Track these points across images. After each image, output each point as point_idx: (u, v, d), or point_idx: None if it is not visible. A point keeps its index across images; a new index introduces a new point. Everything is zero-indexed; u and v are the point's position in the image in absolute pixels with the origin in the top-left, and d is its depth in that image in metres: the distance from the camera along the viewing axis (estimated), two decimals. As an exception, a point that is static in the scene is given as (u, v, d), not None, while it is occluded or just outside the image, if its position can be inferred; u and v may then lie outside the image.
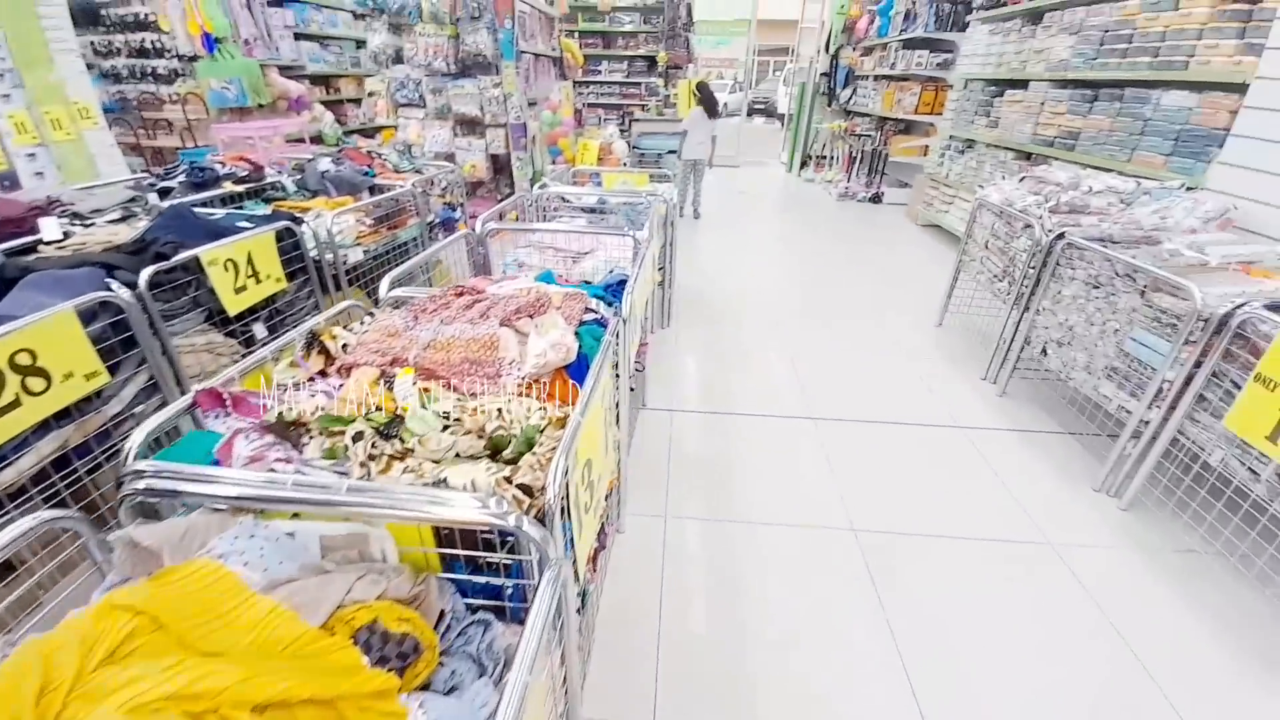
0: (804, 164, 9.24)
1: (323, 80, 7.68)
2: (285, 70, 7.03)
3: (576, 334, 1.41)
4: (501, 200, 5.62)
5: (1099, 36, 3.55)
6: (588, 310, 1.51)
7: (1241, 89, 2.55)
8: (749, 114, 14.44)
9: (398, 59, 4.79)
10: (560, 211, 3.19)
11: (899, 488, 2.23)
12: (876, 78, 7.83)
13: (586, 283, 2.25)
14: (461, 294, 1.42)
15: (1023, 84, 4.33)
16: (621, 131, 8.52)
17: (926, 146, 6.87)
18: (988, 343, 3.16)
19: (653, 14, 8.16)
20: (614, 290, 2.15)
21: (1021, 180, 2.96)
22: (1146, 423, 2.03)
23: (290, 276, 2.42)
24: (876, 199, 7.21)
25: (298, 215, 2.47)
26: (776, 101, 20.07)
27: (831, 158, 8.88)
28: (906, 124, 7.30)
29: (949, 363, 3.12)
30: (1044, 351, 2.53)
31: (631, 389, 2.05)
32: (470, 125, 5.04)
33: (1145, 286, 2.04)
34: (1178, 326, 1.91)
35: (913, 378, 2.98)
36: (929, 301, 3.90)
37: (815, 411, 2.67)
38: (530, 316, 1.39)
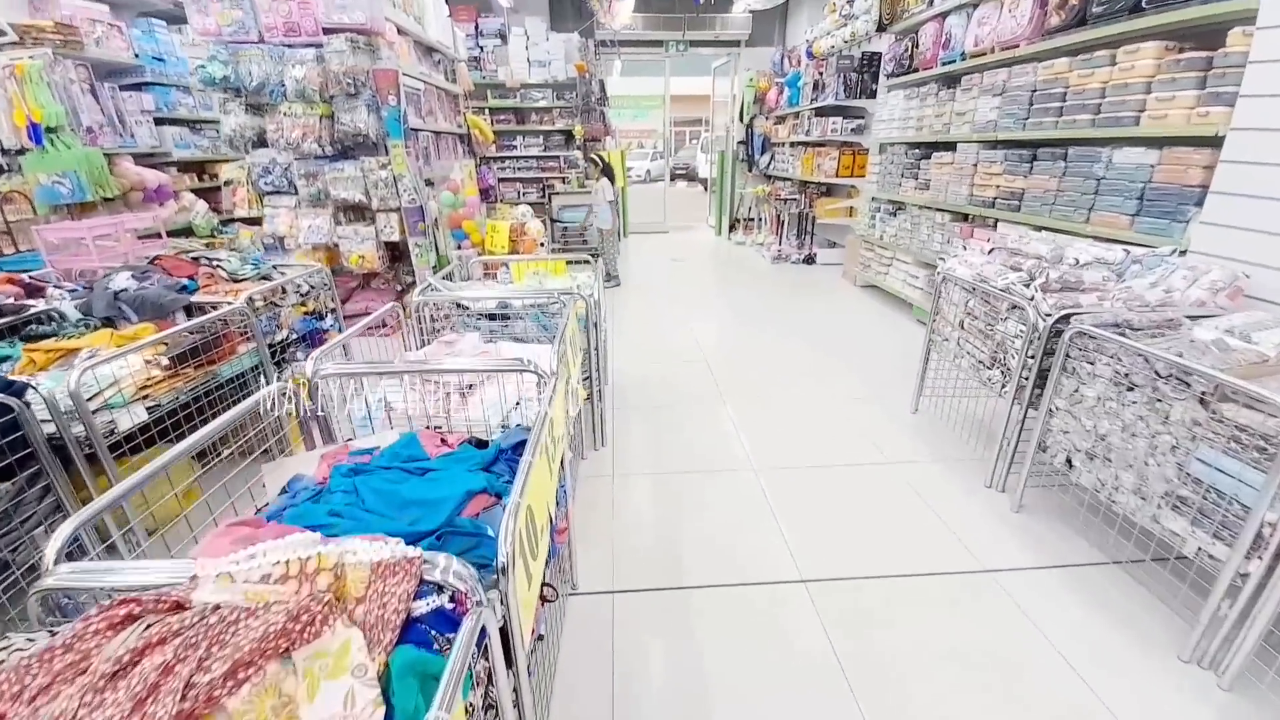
0: (733, 228, 9.14)
1: (196, 166, 6.81)
2: (145, 159, 6.15)
3: (388, 668, 0.69)
4: (402, 293, 4.88)
5: (1026, 97, 3.40)
6: (423, 588, 0.79)
7: (1213, 142, 2.30)
8: (671, 179, 14.63)
9: (260, 142, 4.08)
10: (453, 319, 2.50)
11: (941, 698, 1.57)
12: (793, 144, 7.90)
13: (479, 443, 1.54)
14: (130, 616, 0.67)
15: (949, 146, 4.19)
16: (538, 205, 8.10)
17: (851, 208, 6.83)
18: (979, 435, 2.67)
19: (565, 90, 7.96)
20: (513, 458, 1.45)
21: (990, 251, 2.59)
22: (1245, 576, 1.51)
23: (8, 472, 1.57)
24: (810, 260, 7.04)
25: (20, 380, 1.64)
26: (697, 167, 20.80)
27: (758, 220, 8.83)
28: (828, 186, 7.30)
29: (942, 466, 2.59)
30: (1069, 463, 2.03)
31: (546, 597, 1.31)
32: (357, 212, 4.34)
33: (1205, 393, 1.58)
34: (1269, 451, 1.43)
35: (907, 492, 2.41)
36: (895, 380, 3.45)
37: (804, 567, 2.01)
38: (288, 651, 0.66)
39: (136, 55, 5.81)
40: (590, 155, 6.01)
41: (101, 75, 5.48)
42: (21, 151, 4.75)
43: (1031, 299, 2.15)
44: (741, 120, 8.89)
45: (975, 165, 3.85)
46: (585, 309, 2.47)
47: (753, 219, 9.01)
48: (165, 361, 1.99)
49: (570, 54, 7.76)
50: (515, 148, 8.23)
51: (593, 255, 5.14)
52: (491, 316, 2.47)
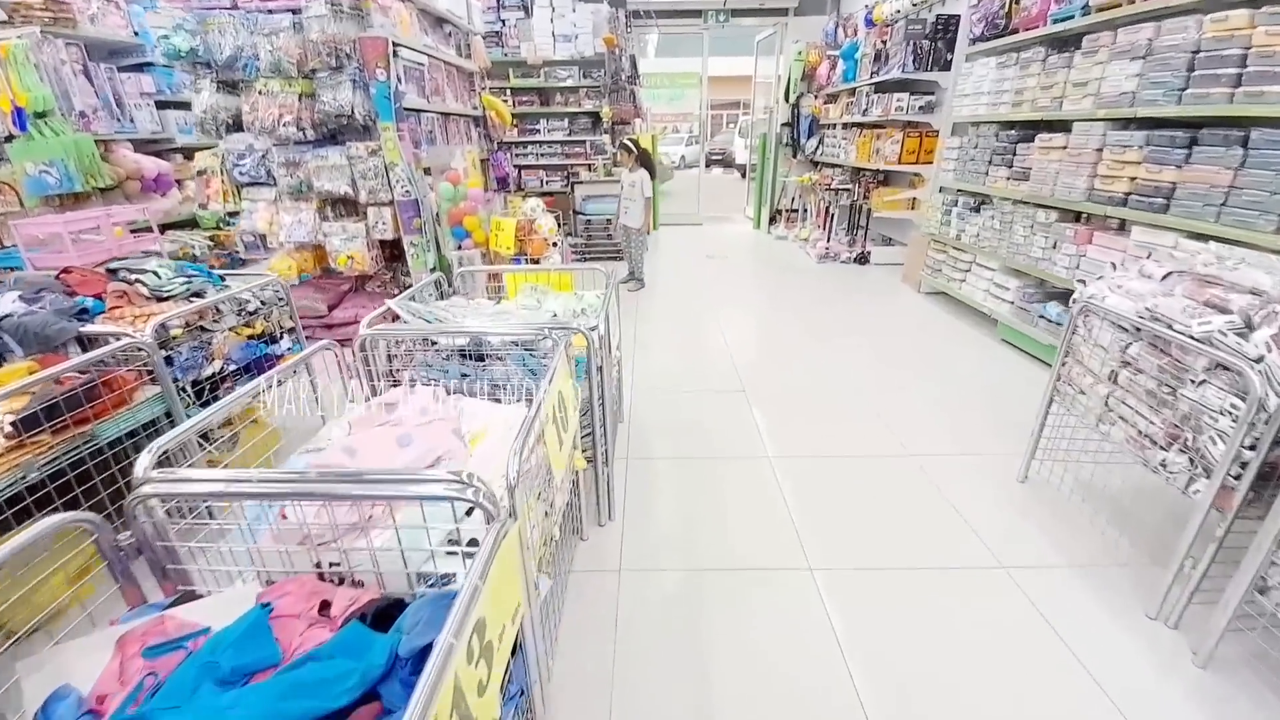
0: (773, 220, 8.32)
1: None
2: (147, 145, 5.79)
3: None
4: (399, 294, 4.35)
5: (1184, 61, 2.56)
6: None
7: None
8: (707, 165, 13.72)
9: (237, 125, 3.57)
10: (415, 355, 1.91)
11: None
12: (846, 126, 7.02)
13: (382, 612, 0.95)
14: None
15: (1060, 125, 3.34)
16: (561, 195, 7.46)
17: (914, 200, 5.96)
18: (1130, 528, 1.93)
19: (592, 67, 7.26)
20: (411, 681, 0.83)
21: (1166, 277, 1.82)
22: None
23: None
24: (862, 260, 6.21)
25: None
26: (734, 152, 19.79)
27: (802, 211, 7.99)
28: (885, 174, 6.42)
29: (1076, 576, 1.87)
30: (1324, 625, 1.30)
31: None
32: (346, 205, 3.81)
33: None
34: None
35: (1034, 622, 1.71)
36: (987, 425, 2.72)
37: (890, 756, 1.35)
38: None
39: (136, 33, 5.37)
40: (623, 140, 5.30)
41: (100, 55, 5.09)
42: (10, 139, 4.37)
43: (1259, 361, 1.40)
44: (787, 99, 8.01)
45: (1100, 150, 3.02)
46: (589, 346, 1.83)
47: (795, 210, 8.17)
48: (9, 426, 1.46)
49: (599, 27, 7.04)
50: (538, 131, 7.60)
51: (615, 254, 4.49)
52: (465, 355, 1.87)
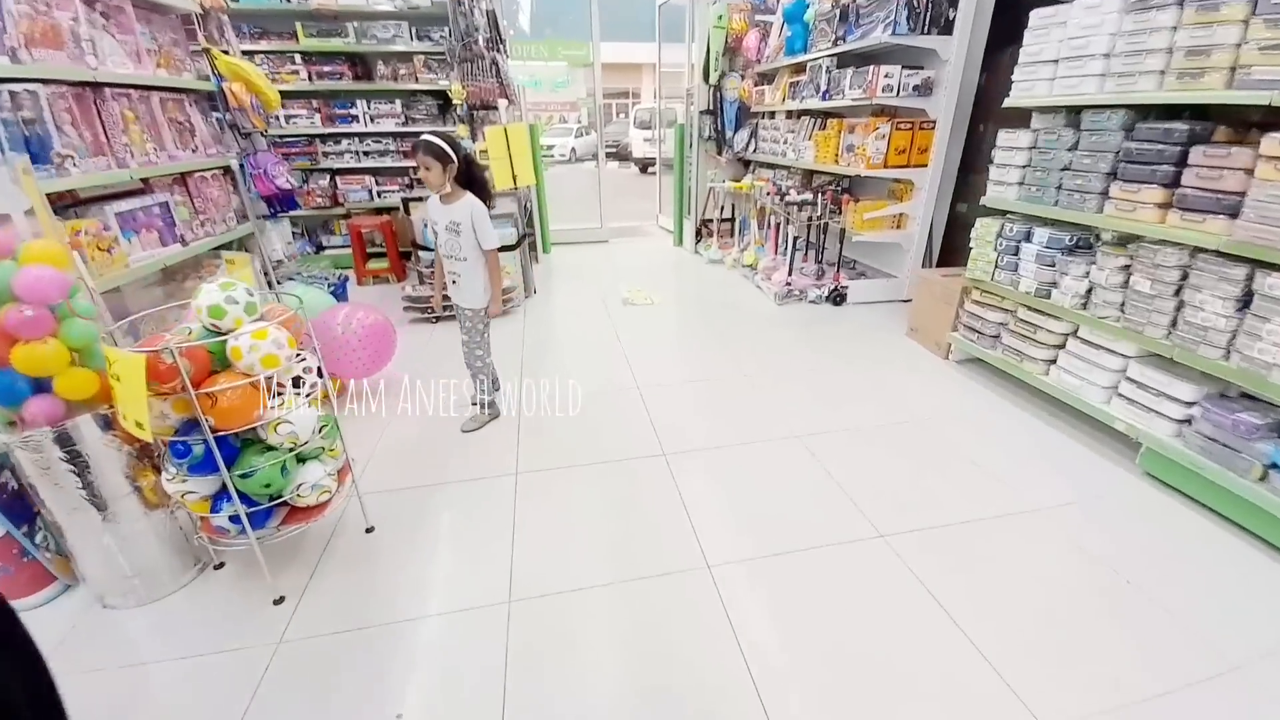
0: (698, 235, 6.51)
1: None
2: None
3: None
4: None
5: None
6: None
7: None
8: (606, 159, 11.53)
9: None
10: None
11: None
12: (790, 114, 5.32)
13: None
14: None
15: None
16: (389, 213, 5.04)
17: (900, 216, 4.38)
18: None
19: (431, 25, 4.93)
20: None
21: None
22: None
23: None
24: (838, 299, 4.54)
25: None
26: (629, 145, 17.88)
27: (739, 225, 6.26)
28: (849, 181, 4.82)
29: None
30: None
31: None
32: None
33: None
34: None
35: None
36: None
37: None
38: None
39: None
40: (423, 138, 2.34)
41: None
42: None
43: None
44: (706, 80, 6.18)
45: None
46: None
47: (728, 220, 6.43)
48: None
49: (436, -39, 4.73)
50: (354, 119, 5.11)
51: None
52: None
